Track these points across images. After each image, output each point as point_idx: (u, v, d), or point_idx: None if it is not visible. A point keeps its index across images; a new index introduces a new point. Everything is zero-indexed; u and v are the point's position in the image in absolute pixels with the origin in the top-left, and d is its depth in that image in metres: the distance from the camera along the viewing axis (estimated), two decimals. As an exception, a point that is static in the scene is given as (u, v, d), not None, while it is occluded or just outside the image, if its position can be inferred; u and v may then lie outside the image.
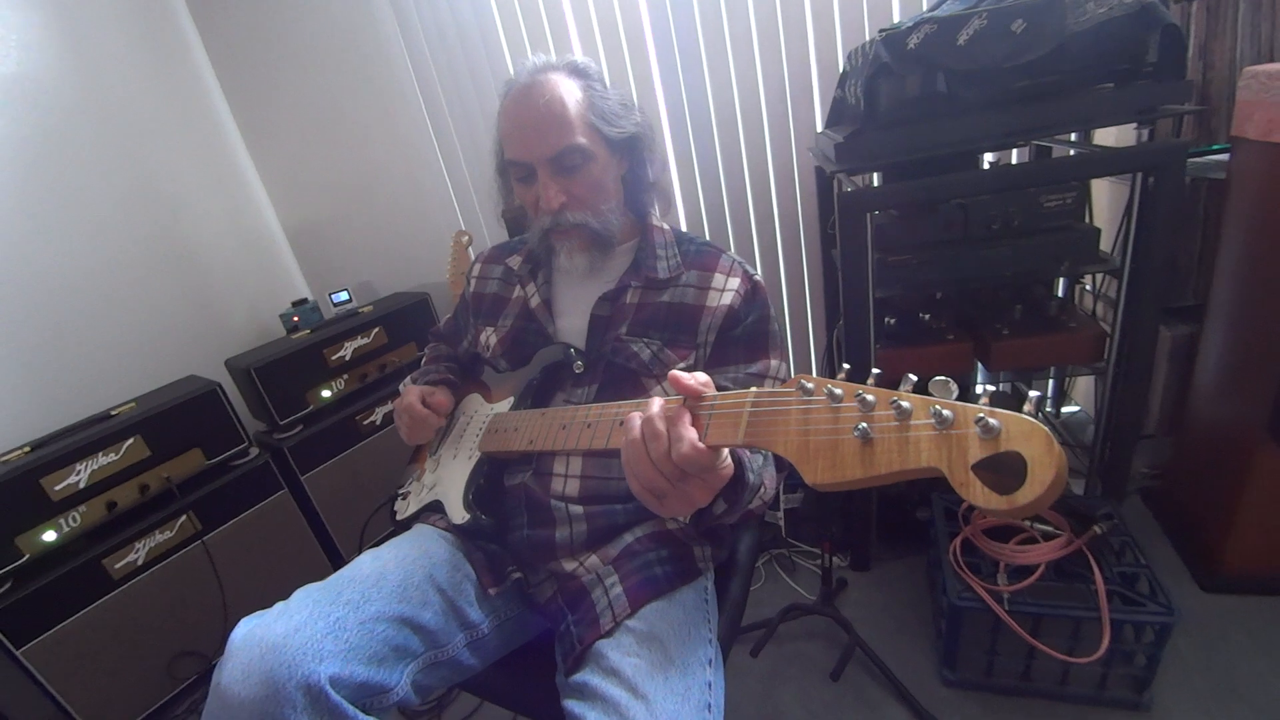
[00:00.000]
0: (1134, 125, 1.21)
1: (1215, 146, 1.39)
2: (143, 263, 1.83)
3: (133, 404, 1.62)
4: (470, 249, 1.82)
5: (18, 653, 1.30)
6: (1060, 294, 1.66)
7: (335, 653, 0.70)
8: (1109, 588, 1.15)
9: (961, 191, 1.35)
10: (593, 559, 0.88)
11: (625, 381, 0.94)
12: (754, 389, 0.56)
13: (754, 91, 1.75)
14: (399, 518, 1.04)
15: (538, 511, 0.91)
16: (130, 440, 1.52)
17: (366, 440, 1.96)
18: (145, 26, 1.88)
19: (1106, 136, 1.46)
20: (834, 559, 1.61)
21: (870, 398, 0.45)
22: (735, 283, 0.95)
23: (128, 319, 1.78)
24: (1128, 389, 1.33)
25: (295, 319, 1.99)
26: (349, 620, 0.74)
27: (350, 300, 2.08)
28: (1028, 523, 1.30)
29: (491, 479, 0.97)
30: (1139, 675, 1.18)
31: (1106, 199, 1.50)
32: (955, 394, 0.43)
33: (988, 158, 1.61)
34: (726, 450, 0.61)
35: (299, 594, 0.77)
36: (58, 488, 1.40)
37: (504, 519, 0.93)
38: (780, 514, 1.65)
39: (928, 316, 1.50)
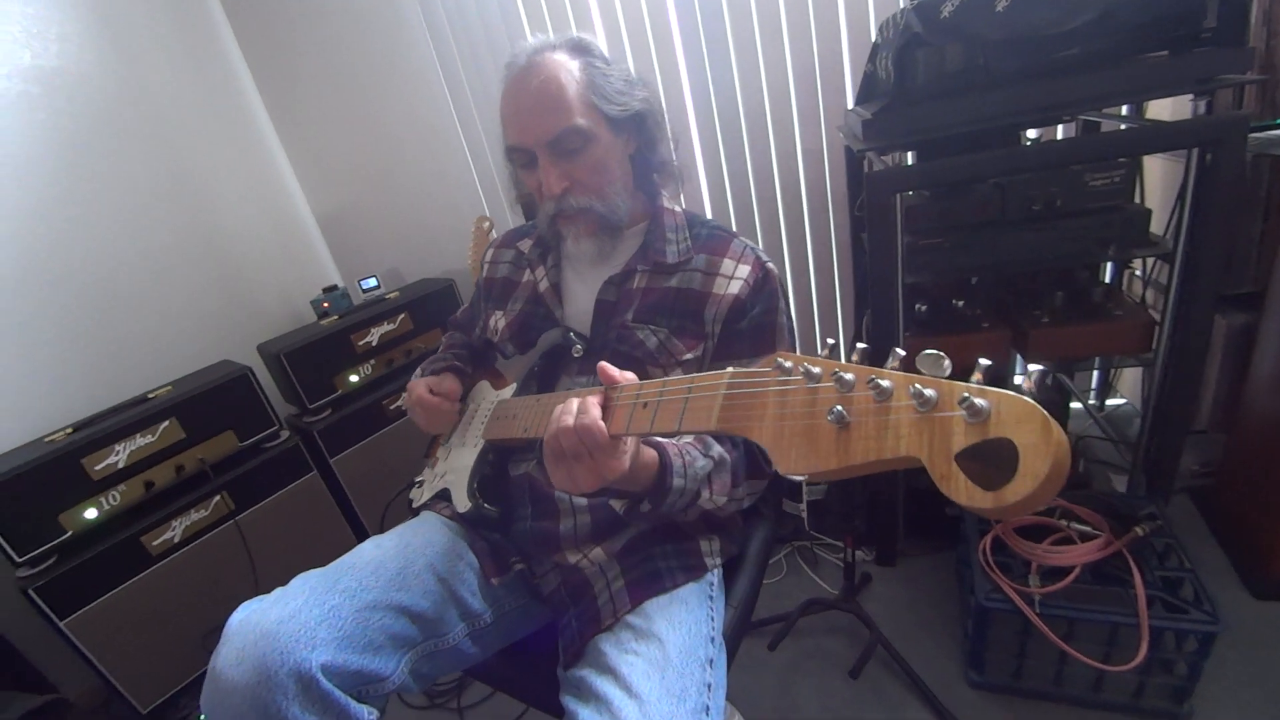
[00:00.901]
0: (1190, 97, 1.11)
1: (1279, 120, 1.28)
2: (178, 250, 1.88)
3: (169, 387, 1.67)
4: (492, 234, 1.81)
5: (61, 624, 1.36)
6: (1108, 280, 1.57)
7: (329, 640, 0.70)
8: (1150, 593, 1.08)
9: (999, 170, 1.27)
10: (597, 551, 0.87)
11: (629, 369, 0.91)
12: (730, 369, 0.53)
13: (781, 64, 1.68)
14: (414, 505, 1.05)
15: (541, 502, 0.90)
16: (166, 423, 1.57)
17: (393, 424, 1.98)
18: (180, 20, 1.91)
19: (1160, 110, 1.36)
20: (858, 553, 1.57)
21: (849, 376, 0.40)
22: (744, 270, 0.90)
23: (164, 305, 1.84)
24: (1177, 381, 1.24)
25: (325, 305, 2.03)
26: (345, 608, 0.74)
27: (378, 286, 2.10)
28: (1064, 522, 1.24)
29: (497, 468, 0.96)
30: (1179, 685, 1.11)
31: (1159, 177, 1.40)
32: (947, 371, 0.37)
33: (1029, 134, 1.52)
34: (629, 447, 0.65)
35: (297, 580, 0.78)
36: (98, 467, 1.46)
37: (509, 509, 0.93)
38: (803, 506, 1.61)
39: (961, 303, 1.43)
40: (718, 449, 0.81)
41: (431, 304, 2.07)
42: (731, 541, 0.94)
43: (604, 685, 0.69)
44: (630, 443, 0.65)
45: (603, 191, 0.89)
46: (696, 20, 1.68)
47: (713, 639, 0.79)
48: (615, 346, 0.91)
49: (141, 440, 1.53)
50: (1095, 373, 1.78)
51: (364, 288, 2.09)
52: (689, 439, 0.81)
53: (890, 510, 1.53)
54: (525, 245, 1.06)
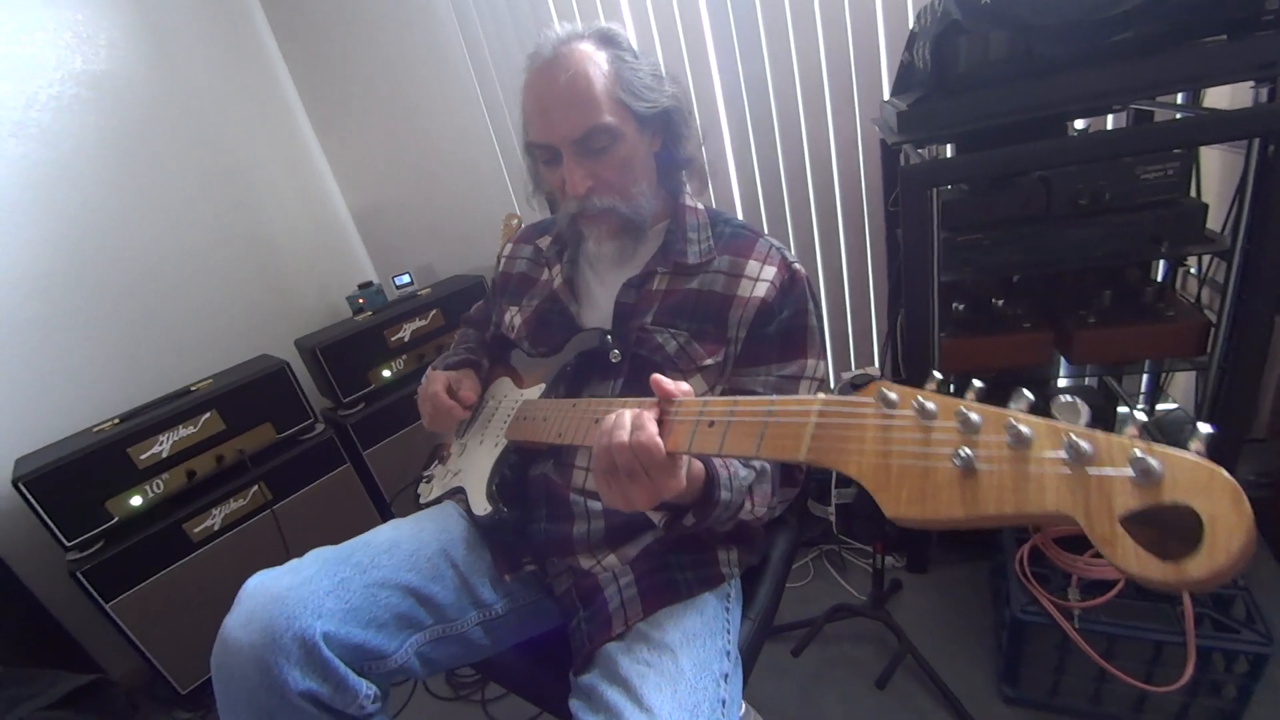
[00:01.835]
0: (1251, 84, 1.04)
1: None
2: (220, 247, 1.95)
3: (210, 380, 1.73)
4: (521, 231, 1.82)
5: (107, 606, 1.43)
6: (1160, 279, 1.48)
7: (335, 611, 0.72)
8: (1198, 610, 1.02)
9: (1043, 163, 1.21)
10: (611, 558, 0.85)
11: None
12: (821, 395, 0.49)
13: (814, 54, 1.63)
14: (421, 501, 1.04)
15: (556, 505, 0.89)
16: (207, 414, 1.62)
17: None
18: (223, 24, 1.97)
19: (1219, 98, 1.27)
20: (888, 559, 1.53)
21: (975, 417, 0.36)
22: (770, 272, 0.87)
23: (206, 300, 1.91)
24: (1233, 386, 1.17)
25: (360, 300, 2.07)
26: (354, 582, 0.75)
27: (411, 283, 2.14)
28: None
29: (517, 470, 0.95)
30: (1227, 709, 1.05)
31: (1217, 170, 1.31)
32: (1086, 419, 0.34)
33: (1077, 124, 1.44)
34: (684, 464, 0.61)
35: (312, 553, 0.80)
36: (143, 457, 1.52)
37: (525, 510, 0.92)
38: (831, 509, 1.58)
39: (1001, 302, 1.37)
40: (759, 460, 0.79)
41: (461, 300, 2.09)
42: (752, 551, 0.91)
43: (614, 696, 0.68)
44: (685, 459, 0.62)
45: (628, 192, 0.86)
46: (727, 9, 1.65)
47: (728, 653, 0.77)
48: (634, 350, 0.88)
49: (184, 431, 1.58)
50: (1145, 376, 1.69)
51: (398, 284, 2.12)
52: None
53: (923, 515, 1.48)
54: (544, 242, 1.05)
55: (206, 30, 1.92)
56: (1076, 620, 1.08)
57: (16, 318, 1.55)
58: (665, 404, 0.61)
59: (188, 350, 1.85)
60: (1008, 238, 1.26)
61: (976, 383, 0.38)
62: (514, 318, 1.03)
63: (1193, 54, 1.03)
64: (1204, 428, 0.31)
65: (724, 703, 0.71)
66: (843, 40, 1.60)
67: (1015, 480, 0.35)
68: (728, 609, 0.83)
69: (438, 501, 1.00)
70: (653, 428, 0.58)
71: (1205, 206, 1.16)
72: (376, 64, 2.04)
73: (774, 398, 0.53)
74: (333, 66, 2.10)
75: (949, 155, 1.48)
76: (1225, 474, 0.29)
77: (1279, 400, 1.34)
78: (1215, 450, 0.30)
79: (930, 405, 0.40)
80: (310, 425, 1.82)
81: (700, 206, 0.97)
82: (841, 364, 1.94)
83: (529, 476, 0.93)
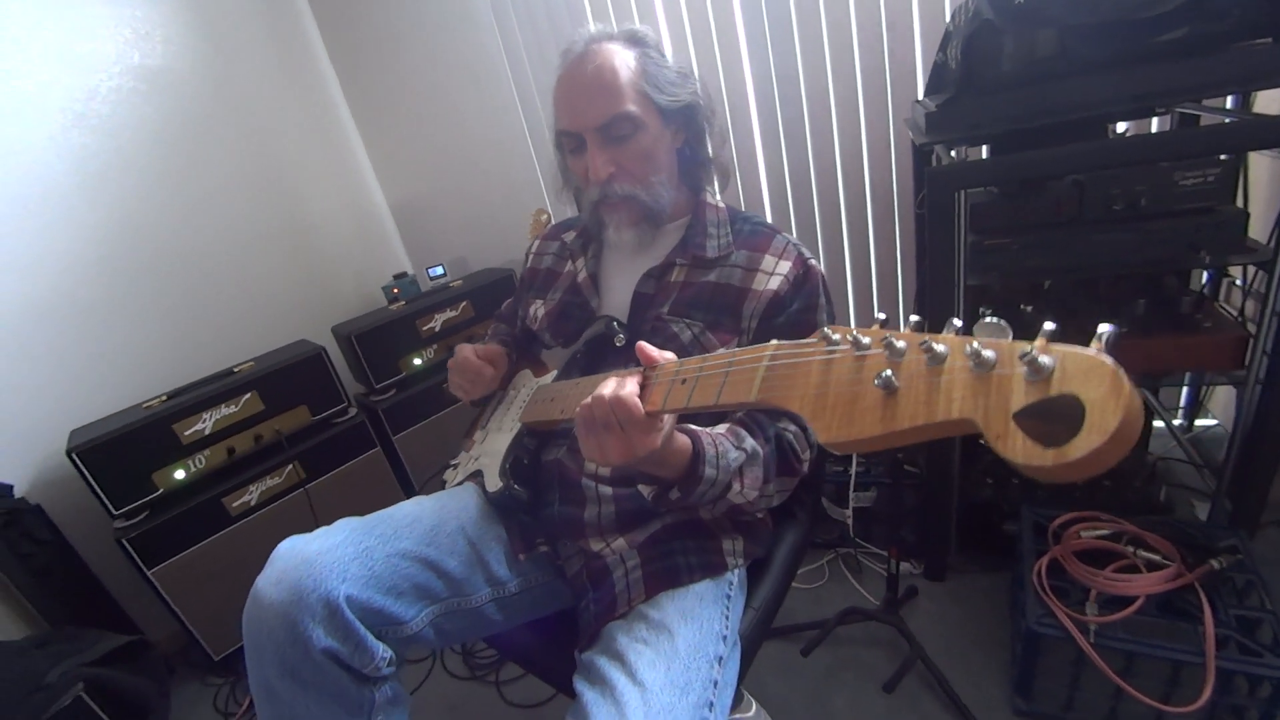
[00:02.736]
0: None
1: None
2: (264, 236, 2.03)
3: (251, 363, 1.81)
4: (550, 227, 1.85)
5: (149, 572, 1.51)
6: (1204, 288, 1.43)
7: (358, 576, 0.76)
8: (1222, 632, 0.99)
9: (1076, 166, 1.18)
10: (620, 541, 0.88)
11: None
12: (775, 342, 0.52)
13: (848, 53, 1.61)
14: (447, 487, 1.09)
15: (569, 489, 0.91)
16: (248, 395, 1.69)
17: (451, 407, 2.07)
18: (272, 23, 2.05)
19: (1269, 103, 1.22)
20: (906, 566, 1.52)
21: (900, 343, 0.39)
22: (785, 266, 0.89)
23: (249, 286, 1.99)
24: (1273, 401, 1.12)
25: (395, 290, 2.13)
26: (377, 551, 0.79)
27: (445, 275, 2.19)
28: (1130, 548, 1.15)
29: (533, 452, 0.98)
30: (1251, 735, 1.01)
31: (1265, 178, 1.26)
32: (1009, 338, 0.35)
33: (1119, 127, 1.40)
34: (664, 425, 0.64)
35: (340, 522, 0.84)
36: (187, 433, 1.60)
37: (537, 493, 0.95)
38: (848, 512, 1.56)
39: (1030, 308, 1.34)
40: (750, 441, 0.80)
41: (491, 292, 2.14)
42: (758, 543, 0.92)
43: (611, 671, 0.71)
44: (666, 421, 0.65)
45: (648, 180, 0.89)
46: (761, 9, 1.65)
47: (725, 637, 0.79)
48: (650, 339, 0.90)
49: (226, 410, 1.66)
50: (1184, 390, 1.64)
51: (431, 275, 2.18)
52: (722, 429, 0.81)
53: (943, 522, 1.46)
54: (569, 236, 1.08)
55: (257, 28, 2.00)
56: (1093, 635, 1.06)
57: (74, 299, 1.64)
58: (648, 370, 0.66)
59: (231, 333, 1.93)
60: (1038, 242, 1.23)
61: (955, 321, 0.39)
62: (538, 310, 1.07)
63: (1237, 56, 1.00)
64: (1104, 327, 0.31)
65: (716, 684, 0.73)
66: (878, 39, 1.58)
67: (928, 394, 0.36)
68: (729, 596, 0.84)
69: (460, 484, 1.04)
70: (633, 387, 0.63)
71: (1246, 215, 1.11)
72: (417, 62, 2.10)
73: (736, 350, 0.56)
74: (375, 64, 2.16)
75: (984, 157, 1.45)
76: (1108, 360, 0.30)
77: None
78: (1112, 346, 0.31)
79: (865, 339, 0.42)
80: (344, 409, 1.88)
81: (721, 204, 0.99)
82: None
83: (543, 461, 0.97)
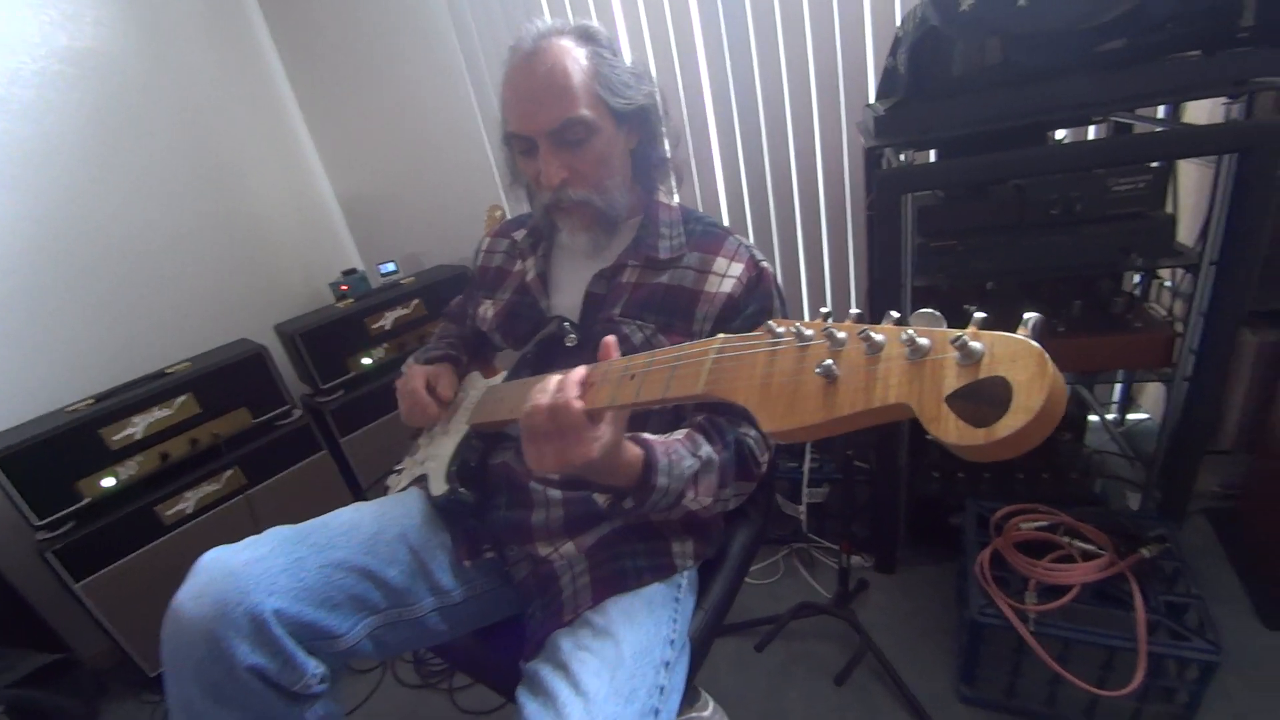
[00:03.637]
0: (1224, 100, 1.05)
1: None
2: (203, 229, 1.93)
3: (187, 364, 1.72)
4: (504, 223, 1.82)
5: (75, 586, 1.42)
6: (1136, 290, 1.50)
7: (288, 589, 0.72)
8: (1153, 618, 1.04)
9: (1015, 171, 1.23)
10: (569, 546, 0.86)
11: None
12: (721, 336, 0.53)
13: (802, 58, 1.64)
14: (391, 493, 1.05)
15: (516, 492, 0.89)
16: (183, 397, 1.61)
17: (404, 408, 2.01)
18: (212, 6, 1.95)
19: (1198, 113, 1.29)
20: (858, 560, 1.55)
21: (840, 334, 0.40)
22: (738, 269, 0.88)
23: (187, 283, 1.89)
24: (1198, 398, 1.18)
25: (344, 287, 2.06)
26: (309, 561, 0.76)
27: (397, 271, 2.13)
28: (1066, 539, 1.19)
29: (480, 456, 0.96)
30: (1178, 714, 1.07)
31: (1194, 185, 1.32)
32: (943, 326, 0.37)
33: (1058, 134, 1.45)
34: (603, 434, 0.62)
35: (270, 531, 0.80)
36: (116, 438, 1.51)
37: (484, 496, 0.92)
38: (802, 508, 1.59)
39: (974, 309, 1.38)
40: (706, 449, 0.79)
41: (444, 290, 2.09)
42: (708, 543, 0.92)
43: (554, 681, 0.69)
44: (606, 432, 0.63)
45: (602, 185, 0.87)
46: (718, 11, 1.65)
47: (673, 641, 0.78)
48: (601, 340, 0.90)
49: (159, 413, 1.57)
50: (1118, 386, 1.71)
51: (382, 272, 2.12)
52: (679, 436, 0.80)
53: (892, 516, 1.49)
54: (519, 235, 1.06)
55: (196, 11, 1.90)
56: (1032, 624, 1.10)
57: (-8, 294, 1.54)
58: (595, 367, 0.64)
59: (165, 332, 1.83)
60: (981, 245, 1.27)
61: (893, 313, 0.40)
62: (487, 310, 1.04)
63: (1165, 68, 1.04)
64: (1029, 315, 0.33)
65: (662, 689, 0.72)
66: (830, 43, 1.60)
67: (867, 381, 0.37)
68: (677, 599, 0.84)
69: (404, 490, 1.01)
70: (572, 391, 0.61)
71: (1174, 220, 1.17)
72: (368, 51, 2.04)
73: (684, 344, 0.56)
74: (323, 52, 2.09)
75: (932, 160, 1.49)
76: (1035, 344, 0.32)
77: (1247, 413, 1.36)
78: (1037, 332, 0.33)
79: (808, 331, 0.43)
80: (287, 411, 1.81)
81: (674, 204, 0.98)
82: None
83: (490, 464, 0.94)
